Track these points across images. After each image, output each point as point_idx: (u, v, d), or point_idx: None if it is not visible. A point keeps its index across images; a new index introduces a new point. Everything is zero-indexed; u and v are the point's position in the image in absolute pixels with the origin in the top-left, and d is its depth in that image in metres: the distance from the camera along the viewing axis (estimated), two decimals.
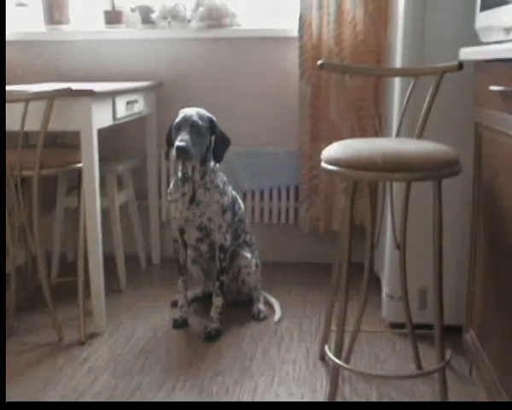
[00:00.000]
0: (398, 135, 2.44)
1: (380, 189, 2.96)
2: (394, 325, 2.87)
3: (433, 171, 2.00)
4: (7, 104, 2.66)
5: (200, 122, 2.77)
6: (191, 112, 2.79)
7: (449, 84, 2.49)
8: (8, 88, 3.07)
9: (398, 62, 2.76)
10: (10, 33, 3.84)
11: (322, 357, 2.62)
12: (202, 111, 2.83)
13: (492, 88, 1.96)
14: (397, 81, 2.76)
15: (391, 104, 2.93)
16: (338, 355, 2.21)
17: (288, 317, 3.09)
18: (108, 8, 3.89)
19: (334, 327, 2.35)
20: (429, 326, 2.32)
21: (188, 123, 2.75)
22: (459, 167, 2.08)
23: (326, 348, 2.35)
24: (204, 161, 2.84)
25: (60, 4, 3.89)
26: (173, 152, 2.72)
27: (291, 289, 3.44)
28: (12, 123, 2.67)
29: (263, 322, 3.03)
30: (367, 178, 2.10)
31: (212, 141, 2.85)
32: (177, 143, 2.69)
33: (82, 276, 2.91)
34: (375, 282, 3.26)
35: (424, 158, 2.00)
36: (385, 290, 2.91)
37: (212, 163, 2.88)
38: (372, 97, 3.50)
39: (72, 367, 2.61)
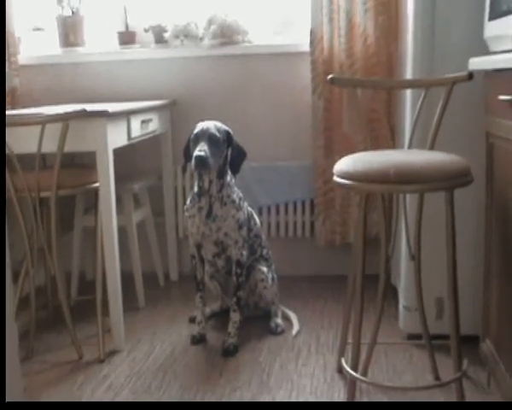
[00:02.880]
0: (409, 146, 2.44)
1: (394, 200, 2.95)
2: (412, 336, 2.86)
3: (445, 182, 2.01)
4: (23, 127, 2.69)
5: (217, 134, 2.79)
6: (208, 124, 2.82)
7: (459, 94, 2.48)
8: (24, 111, 3.13)
9: (408, 74, 2.77)
10: (27, 57, 3.90)
11: (340, 370, 2.62)
12: (219, 124, 2.86)
13: (502, 97, 1.96)
14: (408, 93, 2.77)
15: (403, 116, 2.93)
16: (355, 368, 2.21)
17: (305, 330, 3.09)
18: (122, 29, 3.93)
19: (350, 340, 2.35)
20: (446, 337, 2.30)
21: (206, 135, 2.78)
22: (471, 177, 2.08)
23: (343, 360, 2.36)
24: (221, 175, 2.87)
25: (75, 27, 3.94)
26: (192, 162, 2.74)
27: (308, 302, 3.45)
28: (29, 145, 2.70)
29: (280, 336, 3.03)
30: (379, 191, 2.11)
31: (229, 154, 2.88)
32: (197, 152, 2.72)
33: (100, 294, 2.93)
34: (393, 293, 3.26)
35: (435, 169, 2.00)
36: (402, 302, 2.90)
37: (228, 177, 2.90)
38: (384, 109, 3.50)
39: (92, 385, 2.62)
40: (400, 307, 2.92)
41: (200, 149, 2.73)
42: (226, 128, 2.87)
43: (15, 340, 1.57)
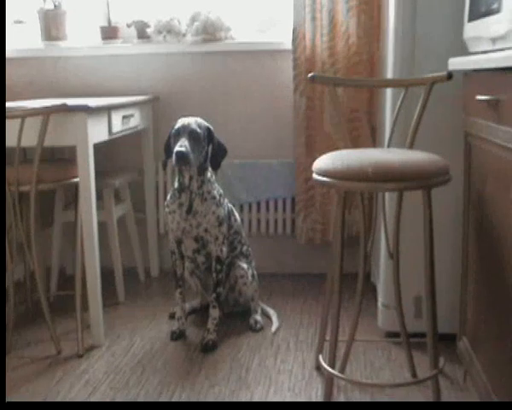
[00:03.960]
0: (389, 145, 2.46)
1: (374, 199, 2.97)
2: (390, 334, 2.89)
3: (423, 180, 2.03)
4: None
5: (198, 130, 2.80)
6: (190, 120, 2.82)
7: (439, 94, 2.51)
8: (6, 105, 3.11)
9: (389, 73, 2.78)
10: (8, 50, 3.87)
11: (318, 367, 2.63)
12: (200, 120, 2.86)
13: (479, 97, 1.99)
14: (388, 92, 2.79)
15: (383, 115, 2.95)
16: (332, 365, 2.22)
17: (284, 327, 3.10)
18: (105, 23, 3.92)
19: (329, 337, 2.36)
20: (425, 335, 2.32)
21: (186, 130, 2.78)
22: (449, 176, 2.10)
23: (320, 357, 2.37)
24: (202, 171, 2.87)
25: (57, 21, 3.92)
26: (173, 158, 2.74)
27: (288, 299, 3.46)
28: (9, 139, 2.70)
29: (260, 333, 3.04)
30: (357, 189, 2.11)
31: (210, 150, 2.88)
32: (177, 148, 2.73)
33: (79, 289, 2.92)
34: (372, 291, 3.28)
35: (414, 167, 2.02)
36: (380, 300, 2.92)
37: (209, 174, 2.91)
38: (365, 108, 3.52)
39: (71, 380, 2.62)
40: (379, 304, 2.94)
41: (181, 145, 2.73)
42: (207, 124, 2.88)
43: None
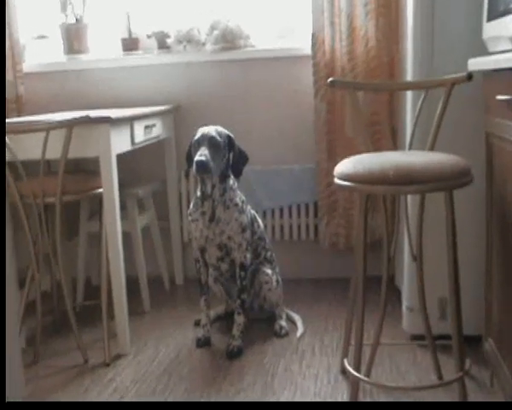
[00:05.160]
0: (410, 148, 2.45)
1: (397, 202, 2.96)
2: (415, 337, 2.86)
3: (445, 182, 2.01)
4: (28, 134, 2.72)
5: (218, 138, 2.81)
6: (209, 129, 2.83)
7: (459, 95, 2.49)
8: (29, 118, 3.15)
9: (409, 76, 2.78)
10: (32, 65, 3.93)
11: (344, 371, 2.62)
12: (220, 128, 2.87)
13: (499, 97, 1.97)
14: (408, 94, 2.78)
15: (404, 117, 2.94)
16: (357, 369, 2.21)
17: (309, 332, 3.09)
18: (125, 35, 3.96)
19: (354, 341, 2.35)
20: (450, 337, 2.30)
21: (206, 139, 2.79)
22: (470, 177, 2.08)
23: (345, 361, 2.36)
24: (223, 179, 2.88)
25: (78, 34, 3.96)
26: (193, 167, 2.76)
27: (312, 305, 3.45)
28: (34, 152, 2.73)
29: (285, 338, 3.04)
30: (379, 192, 2.11)
31: (231, 158, 2.89)
32: (197, 157, 2.74)
33: (105, 299, 2.94)
34: (396, 295, 3.26)
35: (435, 170, 2.01)
36: (405, 303, 2.90)
37: (231, 181, 2.91)
38: (386, 111, 3.51)
39: (98, 388, 2.64)
40: (403, 307, 2.92)
41: (201, 154, 2.74)
42: (227, 132, 2.89)
43: (17, 343, 1.59)
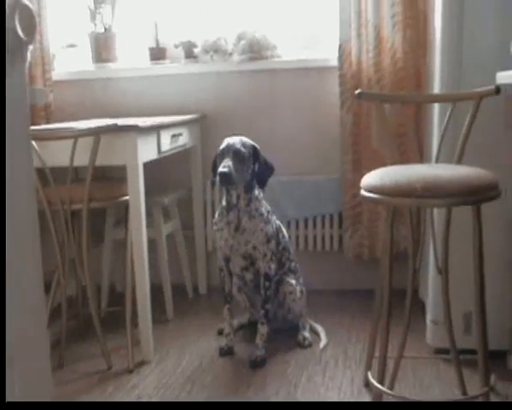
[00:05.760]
0: (437, 160, 2.44)
1: (422, 214, 2.95)
2: (439, 351, 2.84)
3: (472, 196, 2.00)
4: (56, 141, 2.75)
5: (242, 149, 2.82)
6: (234, 140, 2.85)
7: (487, 108, 2.47)
8: (58, 125, 3.18)
9: (436, 88, 2.76)
10: (61, 73, 3.98)
11: (367, 384, 2.61)
12: (245, 139, 2.88)
13: None
14: (436, 107, 2.77)
15: (431, 130, 2.93)
16: (381, 381, 2.20)
17: (333, 344, 3.08)
18: (153, 45, 3.99)
19: (377, 353, 2.34)
20: (475, 351, 2.28)
21: (231, 150, 2.80)
22: (498, 191, 2.07)
23: (369, 374, 2.35)
24: (249, 189, 2.89)
25: (107, 43, 4.00)
26: (217, 179, 2.77)
27: (336, 316, 3.44)
28: (61, 159, 2.75)
29: (308, 349, 3.04)
30: (406, 205, 2.11)
31: (256, 168, 2.90)
32: (220, 169, 2.75)
33: (130, 306, 2.96)
34: (421, 308, 3.24)
35: (463, 183, 2.00)
36: (429, 316, 2.89)
37: (256, 191, 2.92)
38: (412, 124, 3.50)
39: (121, 394, 2.65)
40: (428, 321, 2.91)
41: (225, 166, 2.75)
42: (252, 143, 2.89)
43: (47, 348, 1.60)
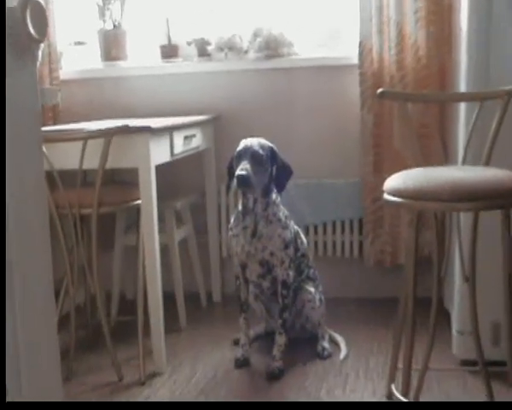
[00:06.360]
0: (463, 162, 2.44)
1: (447, 219, 2.94)
2: (466, 362, 2.83)
3: (501, 199, 2.00)
4: (65, 143, 2.76)
5: (261, 151, 2.83)
6: (252, 141, 2.86)
7: None
8: (66, 126, 3.21)
9: (462, 86, 2.76)
10: (69, 72, 4.01)
11: (390, 396, 2.60)
12: (263, 141, 2.89)
13: None
14: (461, 106, 2.76)
15: (456, 130, 2.92)
16: (405, 394, 2.20)
17: (353, 355, 3.08)
18: (165, 42, 4.01)
19: (401, 365, 2.34)
20: (504, 363, 2.28)
21: (248, 152, 2.81)
22: None
23: (393, 387, 2.35)
24: (266, 193, 2.90)
25: (117, 41, 4.02)
26: (234, 182, 2.78)
27: (357, 325, 3.44)
28: (70, 161, 2.77)
29: (327, 360, 3.04)
30: (431, 209, 2.11)
31: (274, 171, 2.91)
32: (238, 171, 2.76)
33: (141, 314, 2.97)
34: (446, 317, 3.23)
35: (491, 186, 2.00)
36: (455, 326, 2.88)
37: (274, 195, 2.93)
38: (436, 124, 3.49)
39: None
40: (453, 331, 2.90)
41: (242, 168, 2.76)
42: (270, 145, 2.90)
43: (57, 357, 1.62)
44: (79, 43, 4.15)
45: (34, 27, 1.45)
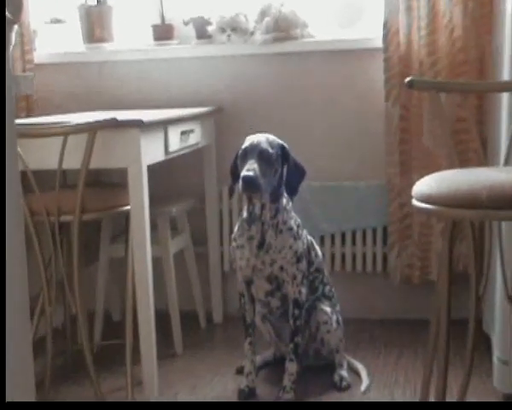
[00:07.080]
0: (506, 163, 2.43)
1: (487, 229, 2.94)
2: (509, 397, 2.83)
3: None
4: (41, 139, 2.76)
5: (270, 150, 2.83)
6: (259, 138, 2.85)
7: None
8: (42, 119, 3.21)
9: (505, 74, 2.76)
10: (45, 54, 4.01)
11: None
12: (272, 137, 2.89)
13: None
14: (504, 97, 2.76)
15: (497, 126, 2.92)
16: None
17: (376, 386, 3.08)
18: (158, 21, 4.01)
19: (432, 399, 2.34)
20: None
21: (256, 151, 2.81)
22: None
23: None
24: (275, 198, 2.90)
25: (101, 19, 4.02)
26: (239, 184, 2.78)
27: (380, 351, 3.45)
28: (48, 160, 2.77)
29: (346, 392, 3.03)
30: (468, 218, 2.10)
31: (285, 172, 2.91)
32: (244, 172, 2.76)
33: (130, 338, 2.97)
34: (486, 343, 3.23)
35: None
36: (496, 353, 2.87)
37: (284, 200, 2.93)
38: (474, 118, 3.49)
39: None
40: (494, 359, 2.89)
41: (249, 169, 2.76)
42: (281, 142, 2.90)
43: (32, 388, 1.62)
44: (57, 21, 4.15)
45: (8, 6, 1.46)
